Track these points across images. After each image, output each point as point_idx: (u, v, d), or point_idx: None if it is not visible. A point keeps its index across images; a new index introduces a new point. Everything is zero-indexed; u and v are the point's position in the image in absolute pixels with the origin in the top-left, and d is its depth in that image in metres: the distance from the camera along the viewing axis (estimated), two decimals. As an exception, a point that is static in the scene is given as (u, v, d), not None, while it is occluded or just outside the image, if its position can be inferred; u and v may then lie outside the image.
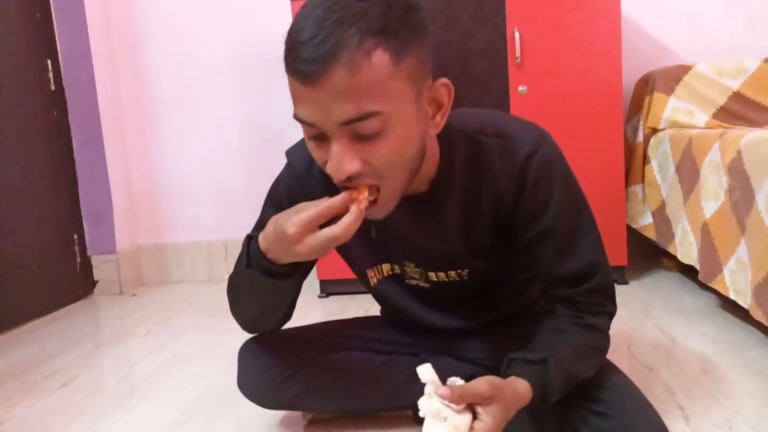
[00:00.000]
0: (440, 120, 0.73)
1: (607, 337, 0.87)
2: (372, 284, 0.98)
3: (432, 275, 0.92)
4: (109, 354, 1.58)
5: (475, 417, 0.70)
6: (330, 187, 0.77)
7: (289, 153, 0.93)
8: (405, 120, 0.67)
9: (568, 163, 0.85)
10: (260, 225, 0.89)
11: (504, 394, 0.71)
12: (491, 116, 0.84)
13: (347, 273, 1.07)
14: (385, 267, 0.96)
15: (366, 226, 0.84)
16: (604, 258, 0.85)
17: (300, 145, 0.91)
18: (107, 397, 1.28)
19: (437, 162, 0.81)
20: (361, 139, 0.66)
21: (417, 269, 0.92)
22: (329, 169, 0.69)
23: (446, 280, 0.91)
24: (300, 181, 0.90)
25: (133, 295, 2.25)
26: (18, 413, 1.23)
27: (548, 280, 0.87)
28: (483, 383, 0.70)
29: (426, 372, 0.70)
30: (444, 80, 0.72)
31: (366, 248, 0.93)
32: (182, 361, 1.47)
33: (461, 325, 0.98)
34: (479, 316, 0.98)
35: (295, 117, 0.68)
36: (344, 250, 0.96)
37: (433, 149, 0.80)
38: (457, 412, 0.69)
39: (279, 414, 1.11)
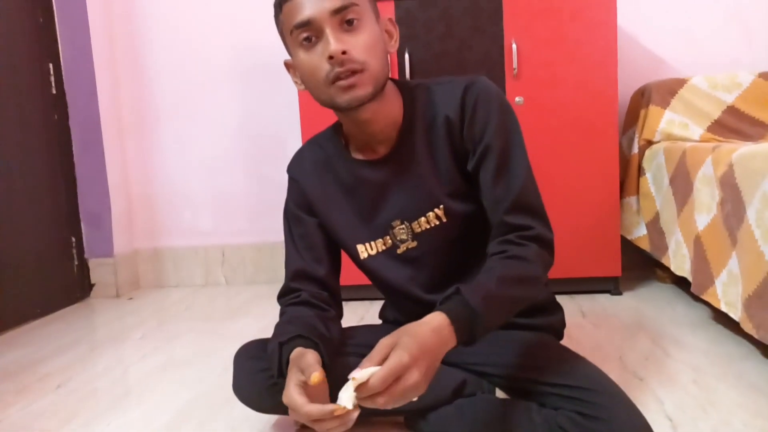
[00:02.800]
0: (395, 43, 0.95)
1: (537, 264, 0.88)
2: (361, 258, 1.02)
3: (416, 226, 0.98)
4: (103, 357, 1.59)
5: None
6: (319, 174, 1.02)
7: (289, 168, 1.08)
8: (372, 24, 0.89)
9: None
10: (288, 251, 1.06)
11: (406, 330, 0.75)
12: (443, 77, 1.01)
13: (342, 280, 1.08)
14: (378, 243, 1.01)
15: (354, 199, 0.99)
16: (530, 175, 0.93)
17: (294, 158, 1.08)
18: (101, 400, 1.29)
19: (402, 109, 0.96)
20: (346, 29, 0.85)
21: (403, 225, 0.98)
22: (328, 51, 0.83)
23: (428, 226, 0.97)
24: (298, 184, 1.06)
25: (130, 298, 2.26)
26: (12, 414, 1.24)
27: (490, 208, 0.93)
28: (382, 341, 0.74)
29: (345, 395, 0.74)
30: (389, 17, 0.95)
31: (358, 222, 1.00)
32: (177, 365, 1.48)
33: None
34: None
35: (296, 26, 0.86)
36: (334, 228, 1.02)
37: (397, 97, 0.96)
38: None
39: (271, 419, 1.11)
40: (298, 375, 0.80)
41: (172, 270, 2.41)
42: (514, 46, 1.75)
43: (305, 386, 0.80)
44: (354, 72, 0.85)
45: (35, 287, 2.04)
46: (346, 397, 0.72)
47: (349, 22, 0.85)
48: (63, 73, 2.22)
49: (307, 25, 0.85)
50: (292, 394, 0.78)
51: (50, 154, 2.17)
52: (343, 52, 0.83)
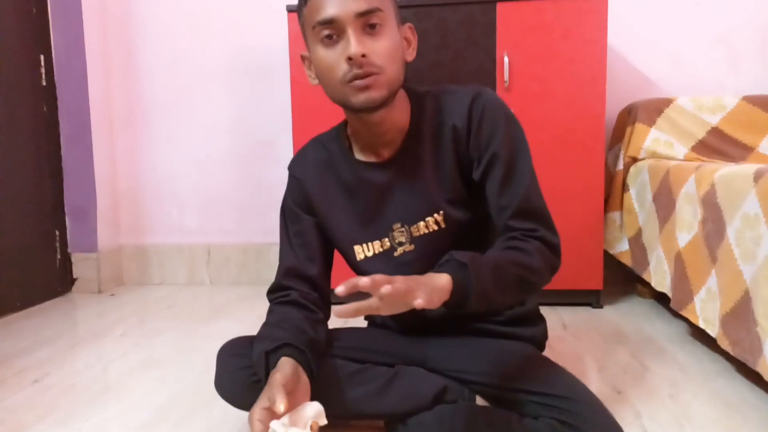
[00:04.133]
0: (412, 52, 0.96)
1: (536, 257, 0.89)
2: (358, 259, 1.03)
3: (414, 230, 0.99)
4: (83, 353, 1.57)
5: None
6: (321, 174, 1.03)
7: (290, 165, 1.09)
8: (394, 30, 0.90)
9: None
10: (282, 247, 1.06)
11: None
12: (452, 84, 1.04)
13: (331, 281, 1.09)
14: (376, 245, 1.01)
15: (355, 200, 1.00)
16: (535, 183, 0.96)
17: (297, 156, 1.09)
18: (79, 396, 1.28)
19: (409, 114, 0.98)
20: (368, 32, 0.86)
21: (402, 228, 1.00)
22: (348, 52, 0.85)
23: (427, 231, 0.98)
24: (299, 182, 1.06)
25: (112, 294, 2.24)
26: (-13, 407, 1.22)
27: (496, 215, 0.95)
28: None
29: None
30: (409, 24, 0.96)
31: (357, 223, 1.01)
32: (157, 363, 1.47)
33: (440, 312, 1.00)
34: None
35: (319, 22, 0.87)
36: (332, 228, 1.03)
37: (405, 102, 0.98)
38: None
39: (251, 420, 1.11)
40: (264, 401, 0.80)
41: (156, 267, 2.40)
42: (506, 59, 1.77)
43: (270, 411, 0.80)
44: (371, 74, 0.86)
45: (16, 279, 2.01)
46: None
47: (372, 26, 0.86)
48: (54, 65, 2.21)
49: (330, 23, 0.85)
50: (254, 418, 0.78)
51: (38, 146, 2.15)
52: (363, 55, 0.85)
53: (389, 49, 0.87)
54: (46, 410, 1.20)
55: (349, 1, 0.84)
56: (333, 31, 0.86)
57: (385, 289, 0.68)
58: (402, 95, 0.97)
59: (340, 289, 0.70)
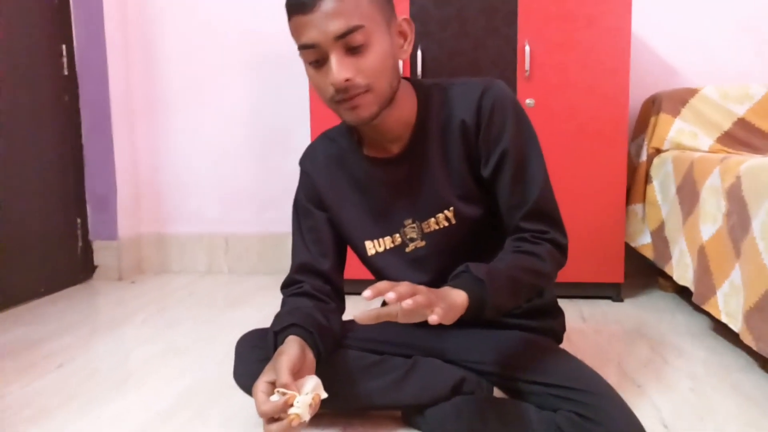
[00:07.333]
0: (407, 48, 0.92)
1: (547, 261, 0.91)
2: (369, 255, 1.03)
3: (425, 226, 0.99)
4: (105, 339, 1.60)
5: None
6: (331, 170, 1.02)
7: (301, 161, 1.09)
8: (381, 39, 0.85)
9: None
10: (295, 243, 1.06)
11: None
12: (459, 77, 1.01)
13: (346, 273, 1.09)
14: (387, 240, 1.01)
15: (366, 196, 0.99)
16: (548, 183, 0.95)
17: (307, 151, 1.09)
18: (101, 382, 1.30)
19: (416, 109, 0.96)
20: (352, 52, 0.83)
21: (414, 224, 0.99)
22: (330, 79, 0.83)
23: (438, 227, 0.98)
24: (310, 178, 1.06)
25: (132, 282, 2.27)
26: (13, 392, 1.25)
27: (507, 213, 0.95)
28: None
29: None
30: (405, 17, 0.92)
31: (368, 219, 1.01)
32: (177, 351, 1.49)
33: None
34: None
35: (300, 47, 0.85)
36: (343, 223, 1.03)
37: (411, 97, 0.96)
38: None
39: (270, 408, 1.12)
40: (271, 374, 0.80)
41: (175, 256, 2.42)
42: (527, 48, 1.75)
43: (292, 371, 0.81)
44: (357, 95, 0.85)
45: (39, 266, 2.05)
46: (304, 406, 0.75)
47: (355, 46, 0.83)
48: (75, 55, 2.23)
49: (311, 47, 0.84)
50: (257, 390, 0.79)
51: (59, 135, 2.18)
52: (347, 80, 0.83)
53: (376, 63, 0.84)
54: (70, 395, 1.23)
55: (327, 22, 0.81)
56: (316, 55, 0.84)
57: (406, 304, 0.71)
58: (406, 89, 0.95)
59: (367, 293, 0.72)
